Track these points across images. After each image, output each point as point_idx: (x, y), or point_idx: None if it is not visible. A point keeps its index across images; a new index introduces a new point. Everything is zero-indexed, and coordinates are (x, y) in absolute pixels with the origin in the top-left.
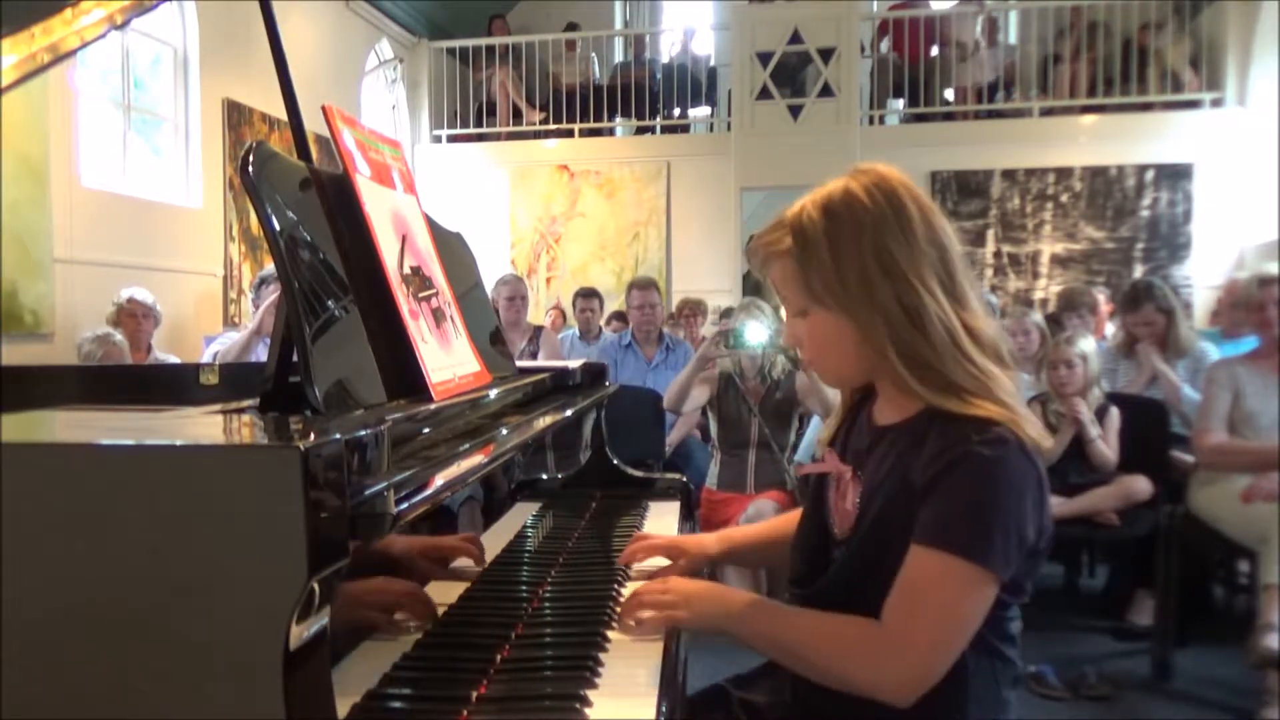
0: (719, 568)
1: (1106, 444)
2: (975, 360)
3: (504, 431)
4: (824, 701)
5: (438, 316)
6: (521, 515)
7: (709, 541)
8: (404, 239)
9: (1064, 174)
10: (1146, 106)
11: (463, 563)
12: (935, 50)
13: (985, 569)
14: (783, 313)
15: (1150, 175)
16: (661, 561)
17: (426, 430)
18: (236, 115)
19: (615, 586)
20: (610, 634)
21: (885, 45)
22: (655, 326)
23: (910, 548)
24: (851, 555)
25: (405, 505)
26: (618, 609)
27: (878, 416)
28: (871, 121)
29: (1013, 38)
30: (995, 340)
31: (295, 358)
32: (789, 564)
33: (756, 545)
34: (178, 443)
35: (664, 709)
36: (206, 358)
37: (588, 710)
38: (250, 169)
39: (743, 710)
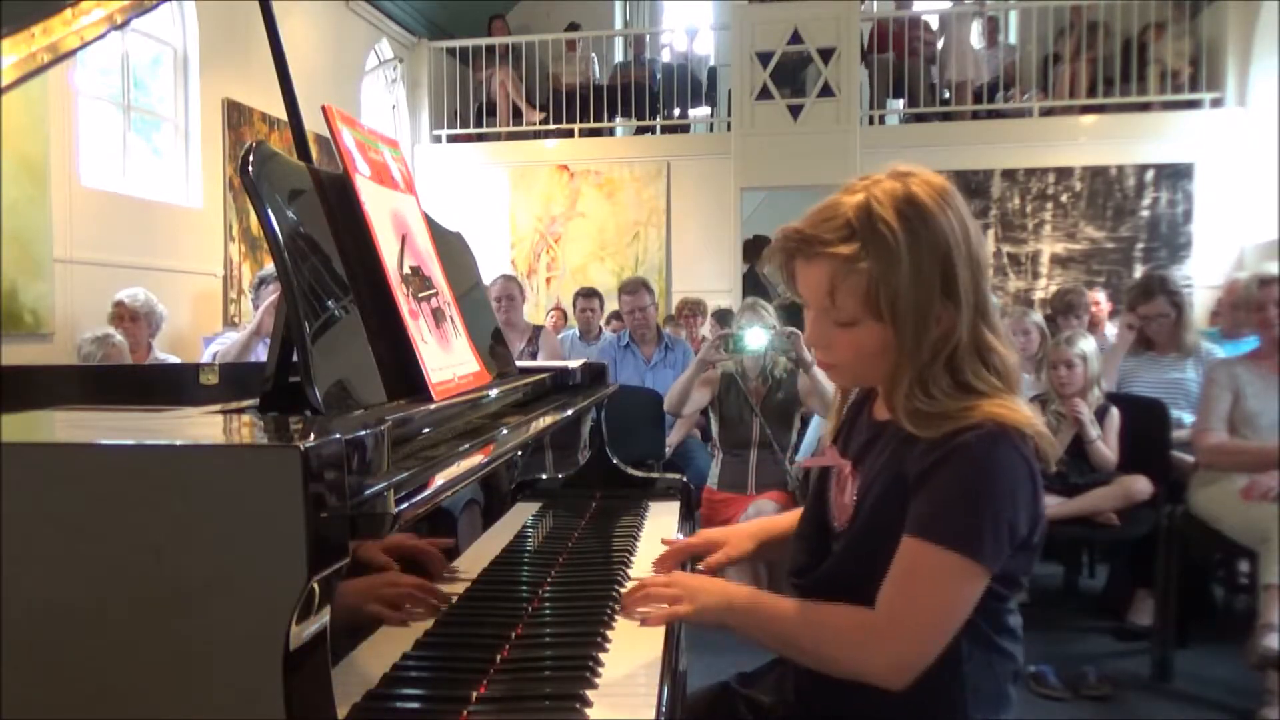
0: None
1: (1106, 444)
2: (971, 385)
3: (504, 431)
4: (827, 698)
5: (437, 316)
6: (521, 515)
7: (745, 538)
8: (404, 239)
9: (1064, 174)
10: (1146, 106)
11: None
12: (938, 46)
13: (975, 561)
14: (774, 312)
15: (1150, 175)
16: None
17: (426, 430)
18: (236, 115)
19: (615, 586)
20: (610, 634)
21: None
22: (649, 329)
23: (902, 539)
24: (848, 547)
25: (405, 505)
26: (618, 608)
27: (877, 413)
28: (871, 121)
29: (1013, 38)
30: (1007, 364)
31: (295, 358)
32: (790, 555)
33: (785, 539)
34: (178, 443)
35: (664, 709)
36: (206, 358)
37: (588, 710)
38: (250, 169)
39: (747, 708)
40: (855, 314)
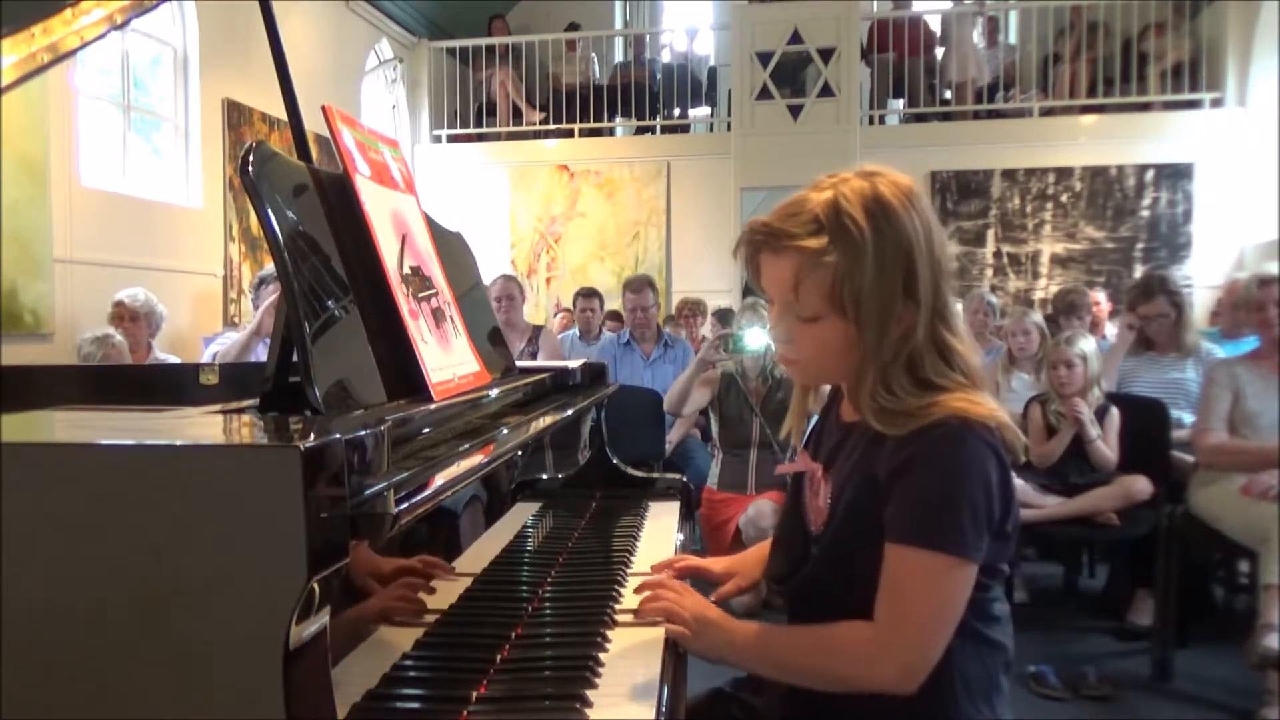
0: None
1: (1106, 444)
2: (932, 382)
3: (504, 431)
4: (819, 699)
5: (437, 316)
6: (521, 515)
7: (753, 564)
8: (404, 239)
9: (1064, 174)
10: (1146, 106)
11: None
12: (939, 51)
13: (960, 557)
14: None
15: (1150, 175)
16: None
17: (426, 430)
18: (236, 115)
19: (615, 587)
20: (610, 634)
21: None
22: (650, 328)
23: (885, 546)
24: (825, 551)
25: (405, 505)
26: (618, 609)
27: (844, 414)
28: (871, 121)
29: (1013, 38)
30: (969, 362)
31: (295, 358)
32: (770, 561)
33: None
34: (178, 443)
35: (664, 709)
36: (206, 358)
37: (588, 710)
38: (250, 169)
39: (741, 712)
40: (819, 309)
